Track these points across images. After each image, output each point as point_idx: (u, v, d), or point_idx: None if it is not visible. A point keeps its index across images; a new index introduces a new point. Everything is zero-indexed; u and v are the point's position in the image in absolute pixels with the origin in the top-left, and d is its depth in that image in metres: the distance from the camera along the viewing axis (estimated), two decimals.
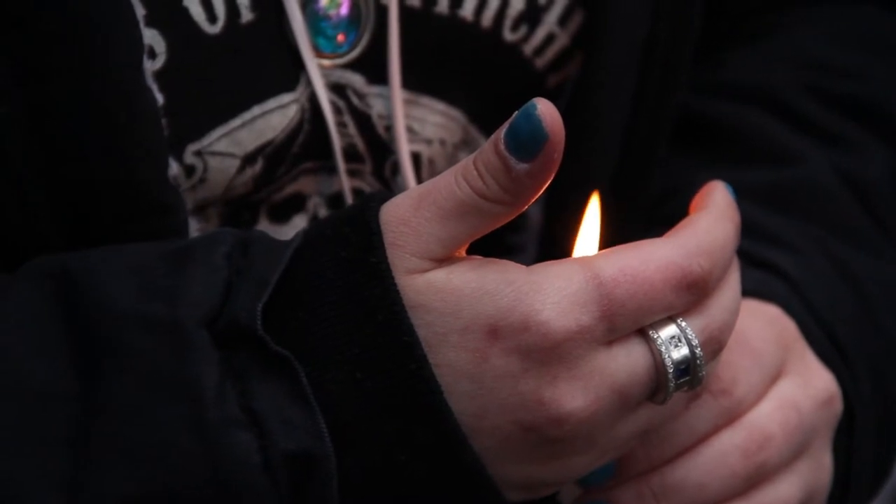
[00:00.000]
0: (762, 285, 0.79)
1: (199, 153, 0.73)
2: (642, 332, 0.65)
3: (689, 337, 0.65)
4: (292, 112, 0.75)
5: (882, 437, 0.82)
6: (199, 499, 0.62)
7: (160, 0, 0.70)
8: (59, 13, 0.67)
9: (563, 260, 0.65)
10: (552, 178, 0.63)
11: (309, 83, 0.75)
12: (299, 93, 0.75)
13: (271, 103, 0.74)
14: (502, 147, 0.63)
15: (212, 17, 0.72)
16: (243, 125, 0.73)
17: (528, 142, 0.62)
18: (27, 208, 0.69)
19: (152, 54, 0.70)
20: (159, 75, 0.71)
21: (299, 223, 0.77)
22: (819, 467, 0.75)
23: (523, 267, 0.64)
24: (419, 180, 0.78)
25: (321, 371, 0.63)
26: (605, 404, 0.64)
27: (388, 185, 0.78)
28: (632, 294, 0.64)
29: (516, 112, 0.63)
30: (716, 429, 0.72)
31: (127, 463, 0.62)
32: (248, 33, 0.73)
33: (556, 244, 0.82)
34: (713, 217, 0.68)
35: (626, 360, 0.64)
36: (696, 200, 0.70)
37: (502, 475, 0.65)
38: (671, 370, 0.65)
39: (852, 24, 0.94)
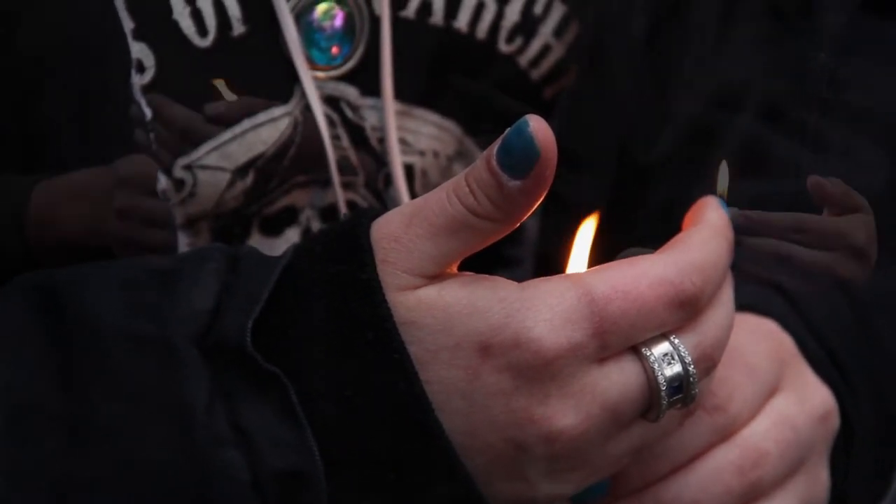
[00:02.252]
0: (758, 299, 0.79)
1: (188, 167, 0.72)
2: (635, 350, 0.64)
3: (682, 354, 0.65)
4: (283, 125, 0.74)
5: (880, 454, 0.81)
6: None
7: (149, 13, 0.70)
8: (60, 26, 0.67)
9: (555, 276, 0.65)
10: (545, 194, 0.63)
11: (303, 96, 0.74)
12: (293, 105, 0.74)
13: (262, 117, 0.74)
14: (494, 164, 0.62)
15: (202, 31, 0.71)
16: (233, 138, 0.73)
17: (520, 159, 0.62)
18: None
19: (141, 68, 0.70)
20: (148, 89, 0.70)
21: (292, 236, 0.77)
22: (815, 484, 0.75)
23: (515, 283, 0.64)
24: (412, 192, 0.77)
25: (311, 388, 0.63)
26: (597, 422, 0.64)
27: (381, 196, 0.78)
28: (624, 311, 0.63)
29: (508, 129, 0.62)
30: (710, 446, 0.71)
31: (117, 479, 0.62)
32: (239, 46, 0.72)
33: (552, 257, 0.81)
34: (706, 234, 0.67)
35: (619, 378, 0.64)
36: (689, 216, 0.69)
37: (494, 493, 0.64)
38: (664, 388, 0.64)
39: (854, 33, 0.93)
